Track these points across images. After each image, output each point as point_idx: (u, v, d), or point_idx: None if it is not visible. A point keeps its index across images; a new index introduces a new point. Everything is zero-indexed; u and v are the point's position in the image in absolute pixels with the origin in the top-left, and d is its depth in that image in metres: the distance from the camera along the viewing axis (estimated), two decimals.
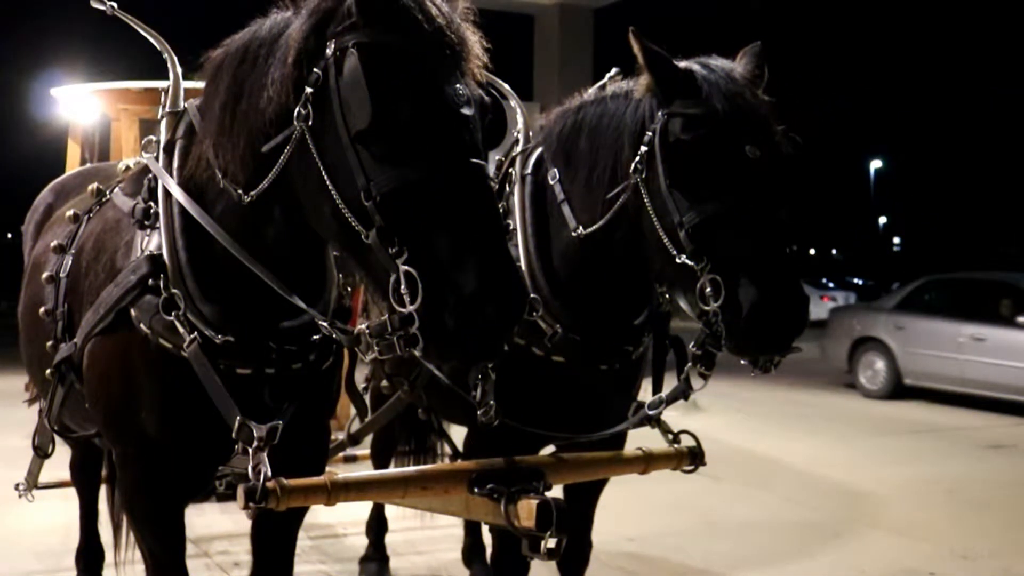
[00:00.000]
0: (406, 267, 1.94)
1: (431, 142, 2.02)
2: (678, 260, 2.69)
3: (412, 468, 2.51)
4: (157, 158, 2.62)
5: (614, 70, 3.24)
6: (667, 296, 3.25)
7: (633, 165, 2.82)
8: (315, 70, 2.11)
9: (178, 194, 2.48)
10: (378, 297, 2.09)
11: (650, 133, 2.80)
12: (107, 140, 7.41)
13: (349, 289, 2.70)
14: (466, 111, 2.07)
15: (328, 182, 2.09)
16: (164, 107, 2.69)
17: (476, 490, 2.50)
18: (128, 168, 3.09)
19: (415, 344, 1.96)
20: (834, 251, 67.16)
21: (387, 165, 2.01)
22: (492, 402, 2.76)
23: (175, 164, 2.55)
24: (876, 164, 56.89)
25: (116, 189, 2.87)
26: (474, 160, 2.05)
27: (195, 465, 2.66)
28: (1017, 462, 8.90)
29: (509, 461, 2.61)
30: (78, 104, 7.39)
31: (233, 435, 2.37)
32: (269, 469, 2.31)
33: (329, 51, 2.10)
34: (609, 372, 3.13)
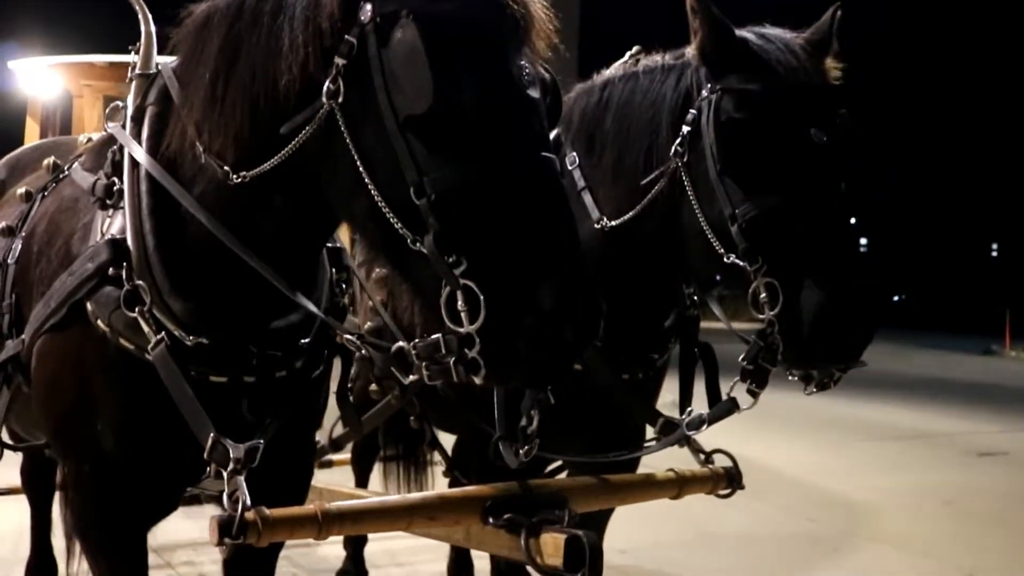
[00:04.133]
0: (466, 281, 1.61)
1: (498, 132, 1.68)
2: (727, 259, 2.34)
3: (416, 496, 2.15)
4: (124, 127, 2.23)
5: (636, 48, 2.88)
6: (696, 298, 2.93)
7: (673, 148, 2.46)
8: (347, 37, 1.75)
9: (150, 167, 2.10)
10: (426, 311, 1.76)
11: (695, 111, 2.44)
12: (69, 118, 6.99)
13: (344, 286, 2.34)
14: (533, 93, 1.73)
15: (365, 175, 1.74)
16: (134, 69, 2.31)
17: (491, 520, 2.14)
18: (90, 140, 2.70)
19: (476, 370, 1.64)
20: None
21: (445, 158, 1.67)
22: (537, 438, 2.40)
23: (145, 134, 2.16)
24: None
25: (75, 164, 2.48)
26: (545, 154, 1.72)
27: (159, 486, 2.28)
28: (1011, 471, 8.65)
29: (527, 485, 2.26)
30: (38, 79, 6.97)
31: (205, 455, 2.00)
32: (248, 497, 1.94)
33: (365, 16, 1.74)
34: (631, 382, 2.78)
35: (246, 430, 2.08)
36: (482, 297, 1.60)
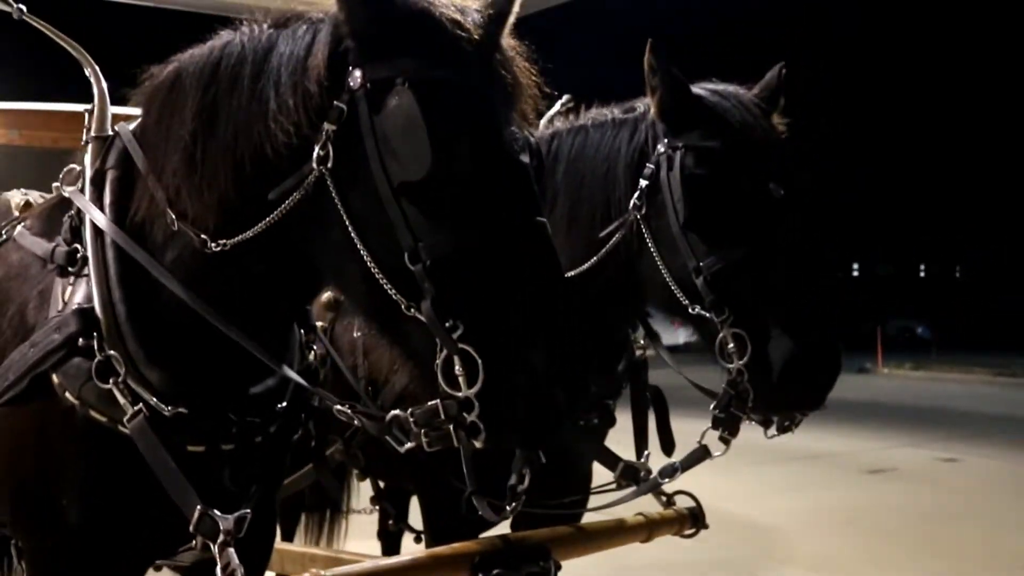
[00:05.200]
0: (464, 345, 1.62)
1: (494, 197, 1.69)
2: (692, 311, 2.41)
3: (406, 557, 2.12)
4: (83, 191, 2.16)
5: (566, 97, 2.95)
6: (643, 343, 2.99)
7: (632, 201, 2.52)
8: (336, 103, 1.74)
9: (116, 235, 2.03)
10: (418, 376, 1.77)
11: (652, 166, 2.50)
12: None
13: (314, 347, 2.31)
14: (524, 159, 1.75)
15: (357, 240, 1.73)
16: (89, 131, 2.24)
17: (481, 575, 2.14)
18: (29, 203, 2.60)
19: (477, 434, 1.65)
20: None
21: (441, 224, 1.67)
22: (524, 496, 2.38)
23: (108, 200, 2.09)
24: None
25: (19, 227, 2.38)
26: (539, 219, 1.74)
27: (128, 561, 2.20)
28: (901, 487, 9.02)
29: (509, 539, 2.26)
30: None
31: (192, 528, 1.93)
32: (242, 569, 1.89)
33: (355, 82, 1.73)
34: (588, 427, 2.81)
35: (227, 499, 2.02)
36: (480, 361, 1.61)
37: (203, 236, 1.92)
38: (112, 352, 1.98)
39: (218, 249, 1.91)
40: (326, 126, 1.75)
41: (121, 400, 1.97)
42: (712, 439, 2.56)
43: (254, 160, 1.84)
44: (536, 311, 1.65)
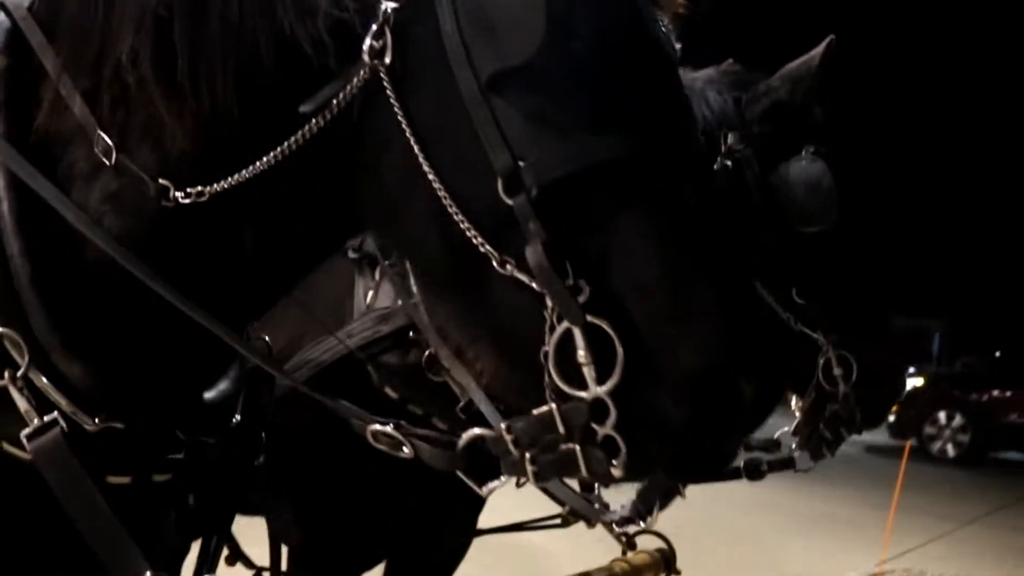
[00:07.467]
0: (594, 318, 1.07)
1: (634, 98, 1.13)
2: (795, 327, 2.20)
3: None
4: None
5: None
6: None
7: None
8: None
9: (6, 154, 1.31)
10: (510, 369, 1.16)
11: (727, 163, 2.21)
12: None
13: (267, 339, 1.70)
14: (671, 52, 1.20)
15: (425, 164, 1.12)
16: None
17: None
18: None
19: (615, 453, 1.07)
20: None
21: (553, 133, 1.09)
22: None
23: None
24: None
25: None
26: (696, 133, 1.27)
27: None
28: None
29: None
30: None
31: None
32: None
33: None
34: None
35: (165, 552, 1.44)
36: (618, 341, 1.06)
37: (162, 181, 1.24)
38: (5, 330, 1.29)
39: (188, 202, 1.24)
40: (384, 3, 1.14)
41: (21, 406, 1.29)
42: None
43: (274, 50, 1.18)
44: (699, 264, 1.10)
